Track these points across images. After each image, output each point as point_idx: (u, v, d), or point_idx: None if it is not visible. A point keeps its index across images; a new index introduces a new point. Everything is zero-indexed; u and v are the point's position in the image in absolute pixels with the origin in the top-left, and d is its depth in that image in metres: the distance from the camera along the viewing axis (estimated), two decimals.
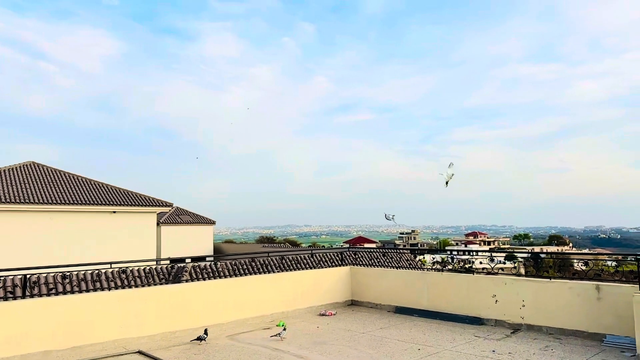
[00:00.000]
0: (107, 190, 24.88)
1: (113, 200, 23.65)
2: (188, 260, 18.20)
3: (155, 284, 12.46)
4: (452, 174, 11.18)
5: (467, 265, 9.80)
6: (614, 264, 9.42)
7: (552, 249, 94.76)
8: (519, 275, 9.78)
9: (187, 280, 13.86)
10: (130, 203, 23.88)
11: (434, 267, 10.77)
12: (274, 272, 12.70)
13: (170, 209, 30.63)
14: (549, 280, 8.04)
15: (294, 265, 12.92)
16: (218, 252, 35.46)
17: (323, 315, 9.84)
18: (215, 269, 15.02)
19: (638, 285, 6.32)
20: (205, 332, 7.68)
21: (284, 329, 7.80)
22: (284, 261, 13.11)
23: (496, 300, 8.55)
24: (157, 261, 19.06)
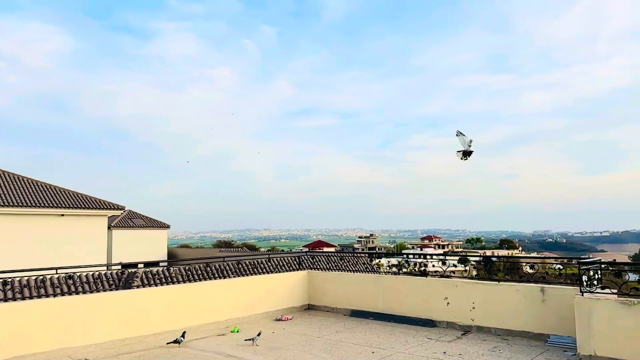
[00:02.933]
0: (55, 192, 23.78)
1: (61, 202, 22.63)
2: (140, 266, 17.63)
3: (104, 290, 11.97)
4: (470, 140, 10.07)
5: (422, 269, 10.02)
6: (559, 266, 9.88)
7: (503, 252, 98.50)
8: (471, 278, 10.10)
9: (138, 286, 13.43)
10: (79, 206, 22.94)
11: (390, 270, 10.93)
12: (229, 277, 12.52)
13: (122, 212, 29.67)
14: (497, 283, 8.33)
15: (251, 270, 12.79)
16: (172, 257, 34.58)
17: (279, 320, 9.78)
18: (168, 275, 14.63)
19: (579, 288, 6.64)
20: (183, 335, 7.65)
21: (258, 334, 7.72)
22: (240, 266, 12.96)
23: (448, 303, 8.77)
24: (107, 266, 18.35)
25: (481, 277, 9.11)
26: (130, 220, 33.52)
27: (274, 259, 14.63)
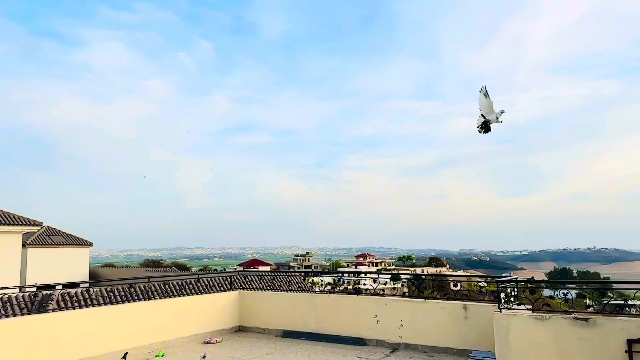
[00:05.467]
0: None
1: None
2: (58, 287, 16.35)
3: (14, 315, 10.99)
4: (502, 111, 7.79)
5: (356, 287, 10.13)
6: (483, 284, 10.36)
7: (432, 270, 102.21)
8: (402, 295, 10.36)
9: (54, 310, 12.41)
10: None
11: (325, 289, 10.96)
12: (155, 298, 11.91)
13: (39, 228, 27.57)
14: (423, 300, 8.60)
15: (179, 290, 12.25)
16: (95, 277, 32.49)
17: (208, 343, 9.43)
18: (88, 297, 13.67)
19: (497, 305, 7.01)
20: (125, 356, 7.30)
21: (203, 357, 7.47)
22: (167, 287, 12.38)
23: (377, 321, 8.91)
24: (20, 288, 16.83)
25: (411, 294, 9.37)
26: (49, 237, 31.14)
27: (204, 280, 14.12)
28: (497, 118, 7.90)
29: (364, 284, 10.27)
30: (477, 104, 7.88)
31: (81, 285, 20.13)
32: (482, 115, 7.94)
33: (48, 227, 31.81)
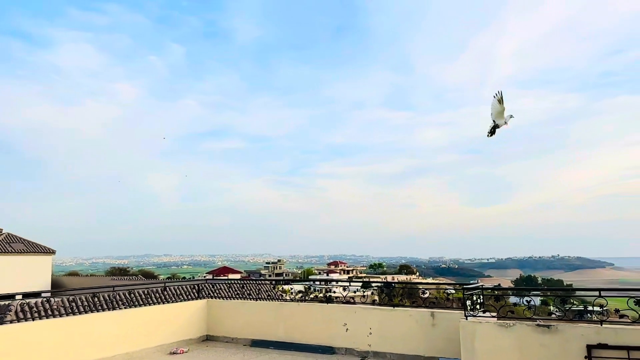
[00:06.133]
0: None
1: None
2: (18, 297, 15.68)
3: None
4: (510, 116, 7.75)
5: (327, 294, 10.11)
6: (452, 291, 10.50)
7: (402, 277, 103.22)
8: (372, 303, 10.41)
9: (12, 321, 11.89)
10: None
11: (296, 297, 10.90)
12: (119, 308, 11.57)
13: None
14: (392, 308, 8.64)
15: (144, 300, 11.92)
16: (57, 287, 31.34)
17: (174, 353, 9.21)
18: (49, 307, 13.16)
19: (463, 312, 7.12)
20: None
21: None
22: (132, 296, 12.04)
23: (347, 329, 8.90)
24: None
25: (381, 302, 9.41)
26: (9, 244, 29.91)
27: (171, 288, 13.81)
28: (506, 122, 7.98)
29: (334, 292, 10.27)
30: (490, 109, 7.97)
31: (42, 295, 19.36)
32: (493, 120, 8.03)
33: (8, 234, 30.59)
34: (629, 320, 6.42)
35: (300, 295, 10.69)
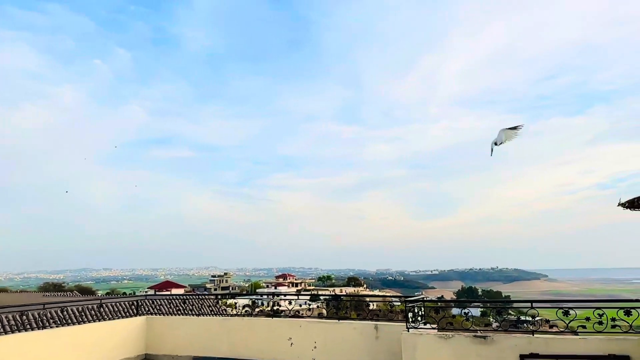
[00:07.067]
0: None
1: None
2: None
3: None
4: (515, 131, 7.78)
5: (274, 308, 9.97)
6: (397, 303, 10.66)
7: (350, 289, 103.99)
8: (319, 316, 10.37)
9: None
10: None
11: (243, 311, 10.67)
12: (50, 327, 10.82)
13: None
14: (337, 321, 8.66)
15: (78, 317, 11.22)
16: None
17: None
18: None
19: (405, 324, 7.25)
20: None
21: None
22: (65, 313, 11.30)
23: (292, 344, 8.81)
24: None
25: (328, 315, 9.39)
26: None
27: (108, 305, 13.10)
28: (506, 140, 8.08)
29: (280, 306, 10.16)
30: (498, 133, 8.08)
31: None
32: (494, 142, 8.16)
33: None
34: (558, 330, 6.80)
35: (246, 309, 10.49)
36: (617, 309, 6.38)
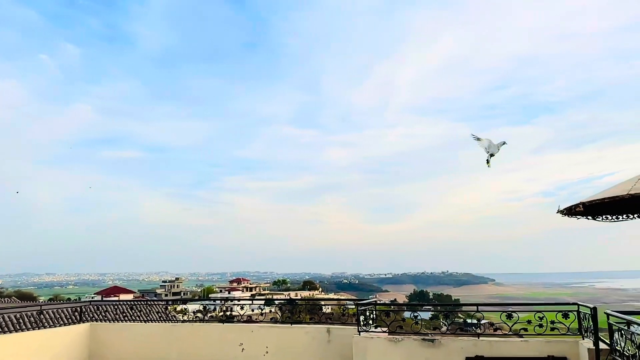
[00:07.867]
0: None
1: None
2: None
3: None
4: (503, 143, 8.12)
5: (228, 313, 9.79)
6: (351, 306, 10.72)
7: (305, 293, 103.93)
8: (271, 320, 10.27)
9: None
10: None
11: (195, 317, 10.40)
12: None
13: None
14: (290, 325, 8.63)
15: (16, 325, 10.54)
16: None
17: None
18: None
19: (357, 327, 7.32)
20: None
21: None
22: (1, 320, 10.61)
23: (243, 349, 8.69)
24: None
25: (282, 319, 9.34)
26: None
27: (49, 312, 12.40)
28: (498, 150, 8.28)
29: (231, 310, 9.98)
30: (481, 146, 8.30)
31: None
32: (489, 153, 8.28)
33: None
34: (502, 333, 7.08)
35: (197, 315, 10.23)
36: (556, 312, 6.72)
